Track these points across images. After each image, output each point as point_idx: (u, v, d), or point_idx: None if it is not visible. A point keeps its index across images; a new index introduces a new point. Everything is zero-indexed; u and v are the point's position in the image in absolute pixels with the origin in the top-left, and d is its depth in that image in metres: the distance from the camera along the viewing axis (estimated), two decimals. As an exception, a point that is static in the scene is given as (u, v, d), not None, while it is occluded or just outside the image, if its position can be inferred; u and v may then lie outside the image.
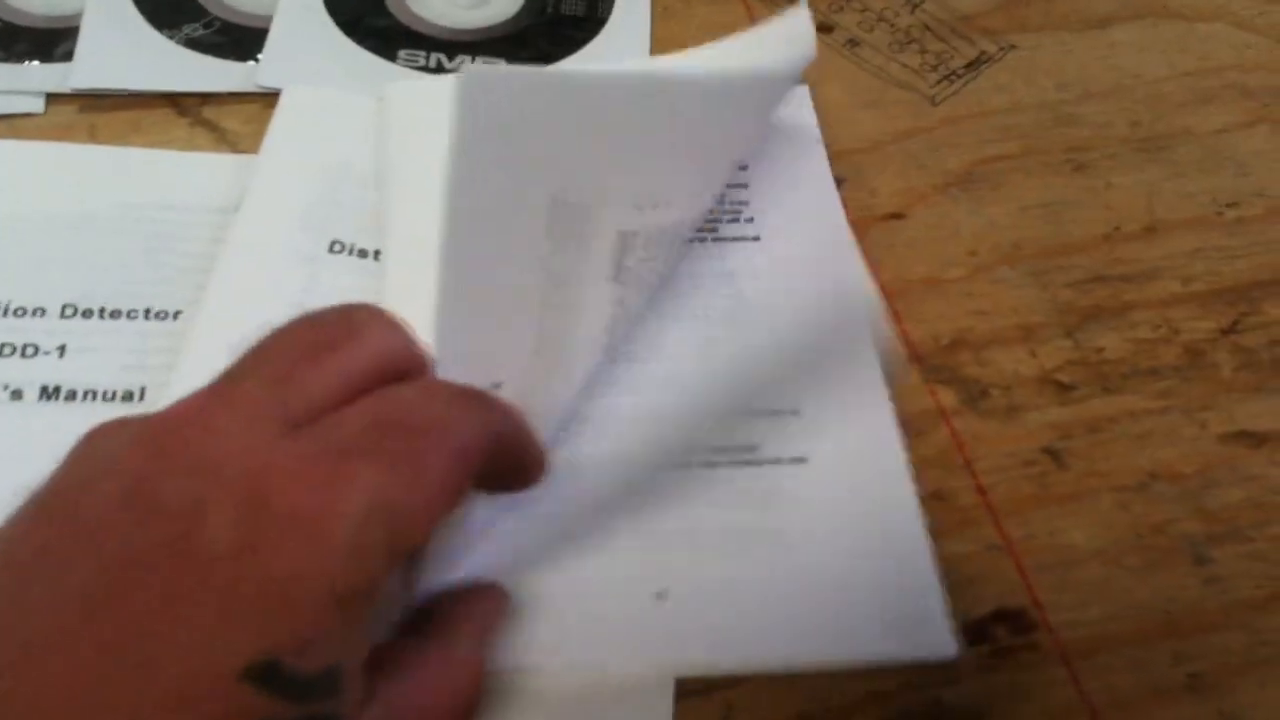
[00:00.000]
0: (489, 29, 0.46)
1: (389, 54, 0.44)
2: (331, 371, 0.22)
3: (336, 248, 0.37)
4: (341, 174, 0.39)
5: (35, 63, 0.43)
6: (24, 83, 0.42)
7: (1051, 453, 0.34)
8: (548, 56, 0.45)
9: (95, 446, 0.21)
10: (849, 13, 0.48)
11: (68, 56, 0.42)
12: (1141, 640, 0.30)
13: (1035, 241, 0.40)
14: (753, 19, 0.48)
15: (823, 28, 0.48)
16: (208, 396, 0.22)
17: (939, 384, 0.36)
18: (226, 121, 0.42)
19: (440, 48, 0.45)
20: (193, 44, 0.44)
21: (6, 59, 0.42)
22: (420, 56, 0.44)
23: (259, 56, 0.43)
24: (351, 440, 0.21)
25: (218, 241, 0.37)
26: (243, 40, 0.44)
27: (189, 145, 0.41)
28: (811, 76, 0.46)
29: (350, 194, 0.39)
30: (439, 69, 0.44)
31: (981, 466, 0.34)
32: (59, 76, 0.42)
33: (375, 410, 0.22)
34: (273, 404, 0.22)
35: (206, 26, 0.44)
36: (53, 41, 0.43)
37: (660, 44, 0.47)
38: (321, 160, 0.39)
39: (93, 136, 0.41)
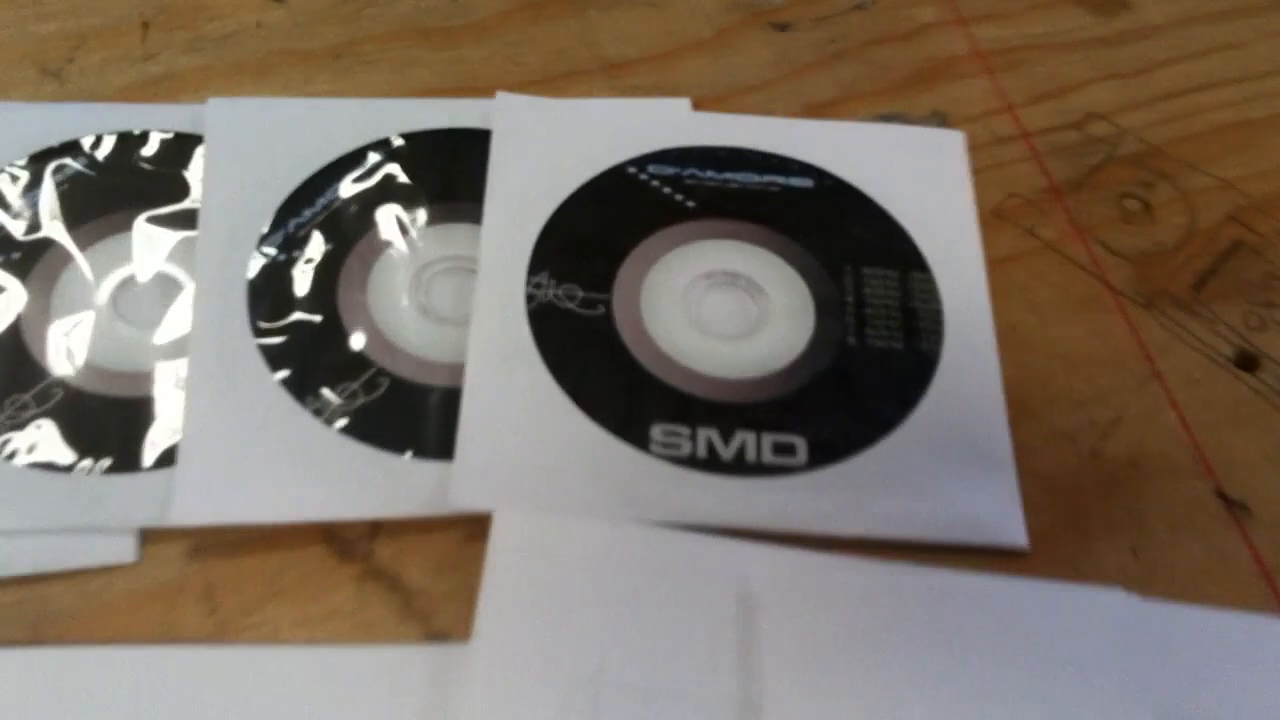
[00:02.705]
0: (771, 379, 0.31)
1: (637, 434, 0.30)
2: None
3: None
4: (602, 676, 0.25)
5: (119, 476, 0.28)
6: (104, 513, 0.28)
7: None
8: (859, 437, 0.30)
9: None
10: (1274, 330, 0.33)
11: (162, 460, 0.28)
12: None
13: None
14: (1134, 331, 0.33)
15: (1242, 361, 0.33)
16: None
17: None
18: (409, 570, 0.28)
19: (707, 416, 0.30)
20: (348, 422, 0.29)
21: (73, 463, 0.28)
22: (683, 436, 0.30)
23: (452, 462, 0.29)
24: None
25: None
26: (418, 410, 0.30)
27: (358, 616, 0.27)
28: (1221, 434, 0.31)
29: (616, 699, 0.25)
30: (712, 461, 0.29)
31: None
32: (152, 500, 0.28)
33: None
34: None
35: (369, 389, 0.30)
36: (139, 439, 0.29)
37: (1015, 382, 0.32)
38: (573, 666, 0.25)
39: (211, 606, 0.27)
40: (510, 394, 0.30)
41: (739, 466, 0.29)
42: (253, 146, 0.34)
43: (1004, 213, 0.36)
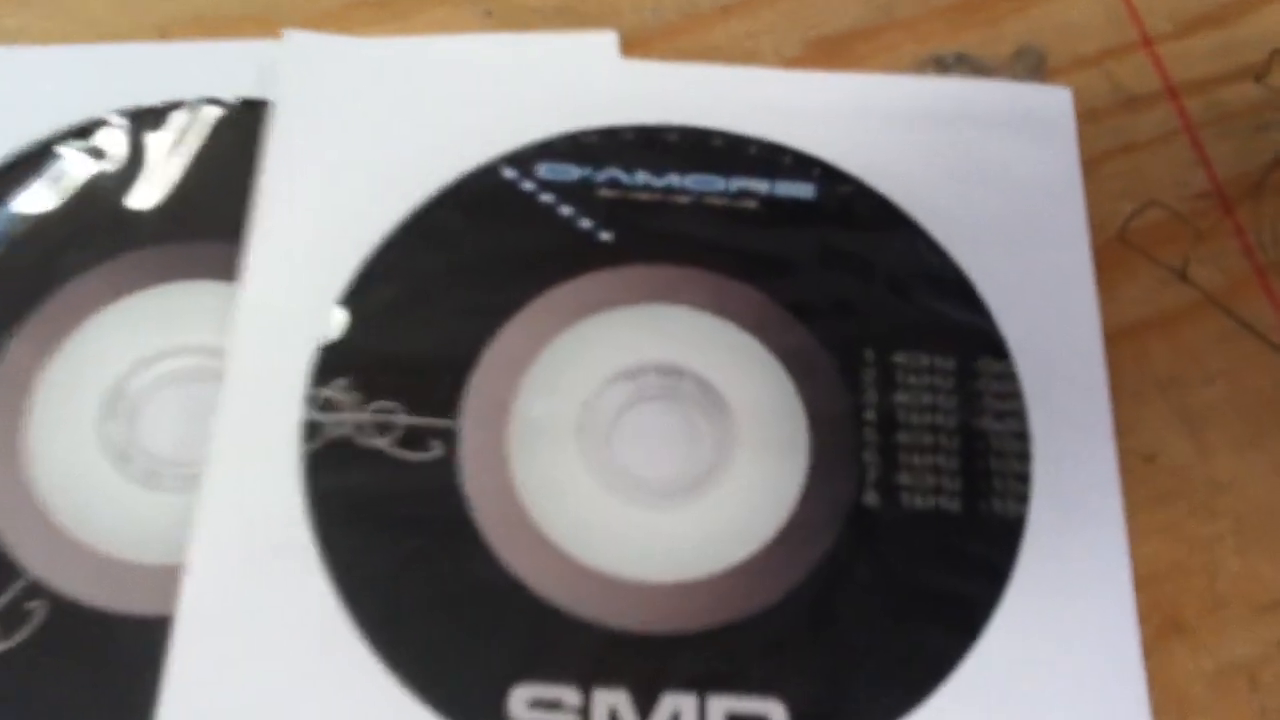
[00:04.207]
0: (728, 584, 0.18)
1: (486, 709, 0.17)
2: None
3: None
4: None
5: None
6: None
7: None
8: (884, 699, 0.17)
9: None
10: None
11: None
12: None
13: None
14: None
15: None
16: None
17: None
18: None
19: (615, 663, 0.17)
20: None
21: None
22: (569, 710, 0.17)
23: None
24: None
25: None
26: (97, 667, 0.17)
27: None
28: None
29: None
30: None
31: None
32: None
33: None
34: None
35: (10, 626, 0.17)
36: None
37: (1152, 571, 0.18)
38: None
39: None
40: (258, 629, 0.17)
41: (665, 767, 0.16)
42: None
43: (1136, 238, 0.21)
